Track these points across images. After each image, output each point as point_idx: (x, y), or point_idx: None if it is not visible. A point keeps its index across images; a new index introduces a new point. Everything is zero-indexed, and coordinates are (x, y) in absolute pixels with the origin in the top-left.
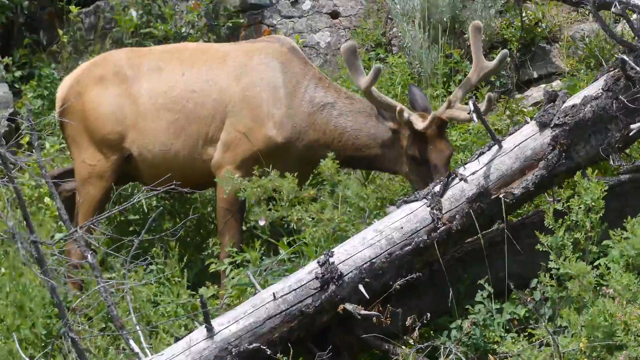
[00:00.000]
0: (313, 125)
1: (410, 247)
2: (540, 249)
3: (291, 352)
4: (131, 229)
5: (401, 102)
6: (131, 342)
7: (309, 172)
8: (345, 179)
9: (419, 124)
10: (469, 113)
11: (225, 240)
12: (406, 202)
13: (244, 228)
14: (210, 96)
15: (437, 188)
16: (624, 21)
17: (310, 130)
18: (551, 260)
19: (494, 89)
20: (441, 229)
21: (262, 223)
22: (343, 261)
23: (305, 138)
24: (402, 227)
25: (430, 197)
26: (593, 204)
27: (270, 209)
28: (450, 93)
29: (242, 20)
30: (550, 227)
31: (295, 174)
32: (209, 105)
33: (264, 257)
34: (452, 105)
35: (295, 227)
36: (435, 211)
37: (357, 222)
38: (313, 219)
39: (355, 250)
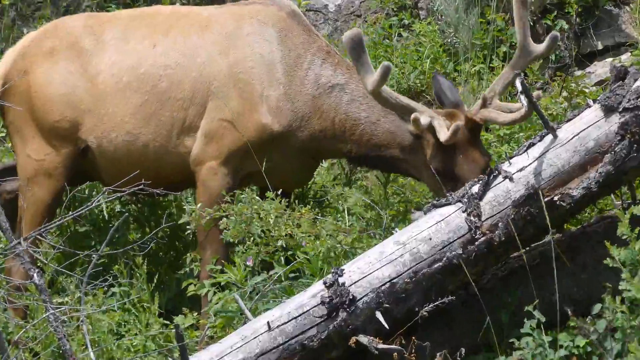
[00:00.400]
0: (318, 112)
1: (440, 263)
2: (610, 265)
3: None
4: (89, 241)
5: (430, 80)
6: None
7: (313, 167)
8: (346, 190)
9: (443, 133)
10: (517, 110)
11: (207, 255)
12: (436, 206)
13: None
14: (189, 73)
15: (475, 189)
16: None
17: (315, 117)
18: (623, 280)
19: (548, 64)
20: (480, 240)
21: (249, 264)
22: (356, 282)
23: (308, 127)
24: (430, 238)
25: (466, 200)
26: None
27: (257, 244)
28: (492, 70)
29: None
30: (624, 237)
31: (279, 191)
32: (187, 85)
33: (255, 276)
34: (488, 104)
35: (286, 245)
36: (472, 218)
37: (366, 235)
38: (309, 235)
39: (372, 268)
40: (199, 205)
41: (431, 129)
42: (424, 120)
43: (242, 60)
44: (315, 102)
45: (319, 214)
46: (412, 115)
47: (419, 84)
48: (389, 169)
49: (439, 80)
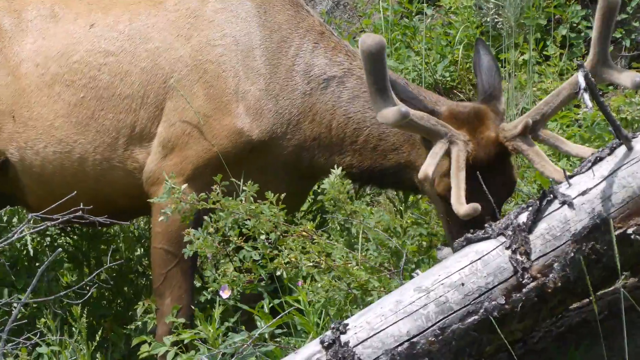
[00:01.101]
0: (310, 113)
1: (476, 317)
2: None
3: None
4: (8, 284)
5: (464, 72)
6: None
7: (305, 191)
8: (362, 206)
9: (456, 199)
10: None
11: (166, 304)
12: (470, 241)
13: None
14: (138, 62)
15: (523, 218)
16: None
17: (306, 121)
18: None
19: (621, 52)
20: (529, 286)
21: (224, 295)
22: (364, 340)
23: (296, 134)
24: (463, 284)
25: (510, 233)
26: None
27: (239, 268)
28: (546, 59)
29: None
30: None
31: (282, 194)
32: (136, 78)
33: (230, 333)
34: (528, 129)
35: (283, 278)
36: (519, 256)
37: (385, 276)
38: (315, 265)
39: (385, 323)
40: (154, 239)
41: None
42: (432, 166)
43: (209, 45)
44: (306, 100)
45: (326, 234)
46: (421, 172)
47: (448, 78)
48: (397, 185)
49: (479, 53)
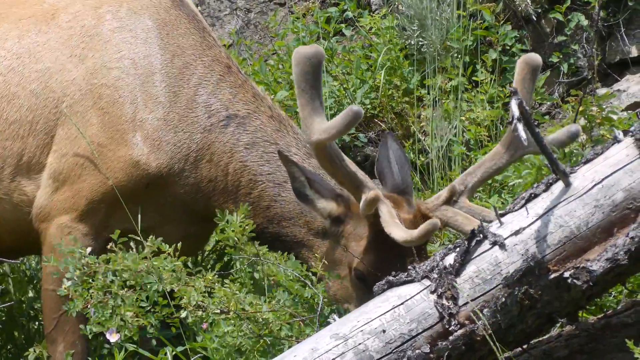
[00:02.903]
0: (208, 152)
1: None
2: None
3: None
4: None
5: (385, 99)
6: None
7: (206, 233)
8: (264, 249)
9: (396, 229)
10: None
11: (58, 351)
12: (392, 284)
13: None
14: (26, 85)
15: (450, 260)
16: None
17: (204, 159)
18: None
19: (559, 79)
20: (457, 333)
21: (112, 339)
22: None
23: (194, 172)
24: (384, 331)
25: (436, 276)
26: None
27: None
28: (475, 85)
29: None
30: None
31: (178, 244)
32: (24, 102)
33: None
34: (455, 198)
35: (188, 322)
36: (445, 301)
37: (298, 322)
38: (222, 311)
39: None
40: (45, 281)
41: (369, 217)
42: (384, 208)
43: (105, 67)
44: (205, 136)
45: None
46: (370, 194)
47: (369, 105)
48: (288, 250)
49: (388, 145)
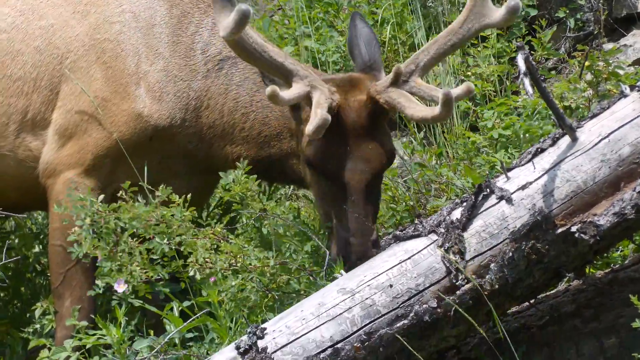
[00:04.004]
0: (206, 98)
1: (405, 321)
2: None
3: None
4: None
5: (391, 54)
6: None
7: (210, 187)
8: (271, 204)
9: (312, 120)
10: (446, 100)
11: (65, 306)
12: (399, 238)
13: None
14: (30, 41)
15: (457, 214)
16: None
17: (203, 106)
18: None
19: (565, 33)
20: (463, 288)
21: (120, 289)
22: (283, 346)
23: (195, 122)
24: (391, 285)
25: (443, 231)
26: None
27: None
28: (483, 40)
29: None
30: None
31: (188, 195)
32: (29, 58)
33: (136, 338)
34: (401, 81)
35: (195, 279)
36: (452, 256)
37: (306, 277)
38: (231, 265)
39: (306, 327)
40: (52, 236)
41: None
42: (289, 94)
43: (107, 22)
44: (202, 83)
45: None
46: (268, 89)
47: None
48: (281, 177)
49: (356, 25)
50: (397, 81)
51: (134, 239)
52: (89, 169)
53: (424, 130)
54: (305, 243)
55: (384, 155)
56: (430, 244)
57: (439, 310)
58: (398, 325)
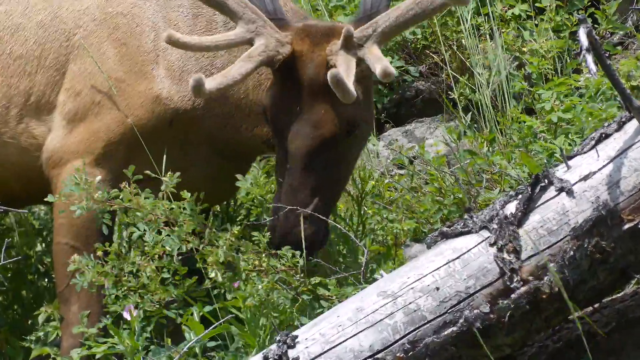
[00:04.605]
0: None
1: (454, 328)
2: None
3: None
4: None
5: (438, 29)
6: None
7: (233, 173)
8: None
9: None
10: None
11: (72, 311)
12: (446, 236)
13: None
14: (34, 16)
15: (511, 208)
16: None
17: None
18: None
19: (632, 4)
20: (519, 290)
21: (129, 317)
22: (316, 357)
23: (220, 102)
24: (437, 288)
25: (496, 227)
26: None
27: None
28: (541, 12)
29: None
30: None
31: (204, 185)
32: (31, 34)
33: (152, 347)
34: (352, 44)
35: (215, 283)
36: (506, 255)
37: (341, 279)
38: (255, 269)
39: (342, 335)
40: (57, 233)
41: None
42: (206, 40)
43: None
44: (227, 59)
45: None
46: (167, 33)
47: (419, 36)
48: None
49: None
50: (347, 44)
51: (141, 257)
52: (100, 158)
53: (471, 112)
54: (343, 242)
55: (338, 123)
56: (482, 241)
57: (492, 316)
58: (446, 332)
